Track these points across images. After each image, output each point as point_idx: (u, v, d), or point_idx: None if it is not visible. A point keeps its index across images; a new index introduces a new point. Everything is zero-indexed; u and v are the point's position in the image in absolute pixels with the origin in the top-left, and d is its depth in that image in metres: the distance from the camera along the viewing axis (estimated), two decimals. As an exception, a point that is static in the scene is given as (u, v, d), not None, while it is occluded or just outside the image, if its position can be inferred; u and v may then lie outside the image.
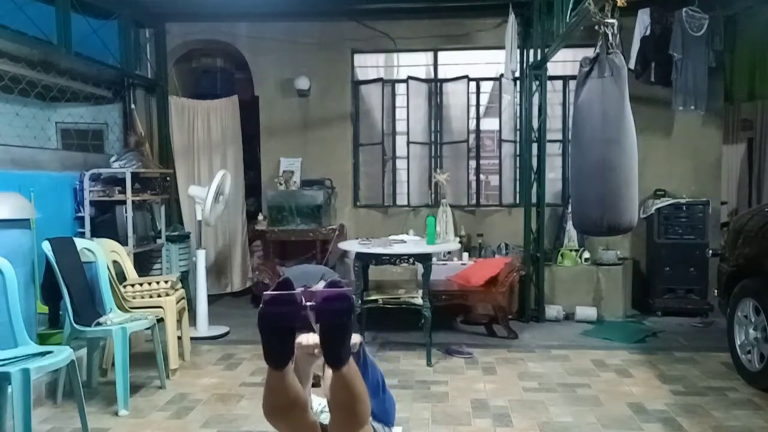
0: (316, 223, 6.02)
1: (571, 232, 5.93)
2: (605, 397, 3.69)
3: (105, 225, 5.07)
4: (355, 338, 1.85)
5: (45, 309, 4.06)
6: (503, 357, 4.53)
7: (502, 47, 5.80)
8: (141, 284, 4.24)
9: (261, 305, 1.49)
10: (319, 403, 2.07)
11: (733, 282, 4.15)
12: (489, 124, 6.68)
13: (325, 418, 1.91)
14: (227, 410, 3.54)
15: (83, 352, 3.88)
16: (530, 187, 5.78)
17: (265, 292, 1.51)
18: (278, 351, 1.54)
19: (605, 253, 5.79)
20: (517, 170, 6.32)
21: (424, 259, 4.47)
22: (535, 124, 5.71)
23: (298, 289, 1.51)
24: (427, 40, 6.30)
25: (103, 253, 3.97)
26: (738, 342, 4.02)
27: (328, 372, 1.90)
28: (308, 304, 1.49)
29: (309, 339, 1.76)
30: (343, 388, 1.62)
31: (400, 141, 6.53)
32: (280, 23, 6.29)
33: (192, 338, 4.73)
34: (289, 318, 1.49)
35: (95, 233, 4.94)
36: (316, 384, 2.08)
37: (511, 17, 5.61)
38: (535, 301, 5.67)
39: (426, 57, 6.54)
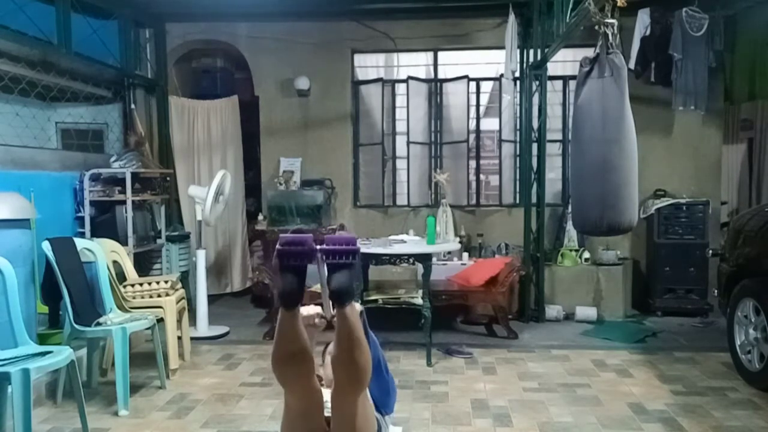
0: (316, 223, 6.02)
1: (571, 232, 5.94)
2: (605, 397, 3.69)
3: (105, 225, 5.07)
4: (357, 306, 1.94)
5: (45, 309, 4.06)
6: (503, 357, 4.53)
7: (502, 47, 5.80)
8: (141, 284, 4.24)
9: (278, 246, 1.70)
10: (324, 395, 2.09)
11: (733, 282, 4.15)
12: (489, 124, 6.68)
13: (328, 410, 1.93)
14: (227, 410, 3.54)
15: (83, 352, 3.88)
16: (530, 187, 5.78)
17: (281, 235, 1.73)
18: (292, 288, 1.71)
19: (605, 253, 5.79)
20: (517, 170, 6.33)
21: (424, 259, 4.47)
22: (535, 124, 5.71)
23: (310, 235, 1.73)
24: (427, 40, 6.30)
25: (103, 253, 3.97)
26: (738, 342, 4.02)
27: (328, 369, 2.07)
28: (319, 247, 1.71)
29: (310, 310, 1.99)
30: (346, 334, 1.74)
31: (400, 141, 6.53)
32: (280, 23, 6.29)
33: (192, 338, 4.73)
34: (302, 257, 1.69)
35: (95, 233, 4.94)
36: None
37: (511, 17, 5.61)
38: (535, 301, 5.67)
39: (426, 57, 6.54)
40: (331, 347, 2.21)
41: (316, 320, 2.01)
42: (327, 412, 1.91)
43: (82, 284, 3.78)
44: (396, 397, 2.33)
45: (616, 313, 5.65)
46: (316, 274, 1.80)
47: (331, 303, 1.86)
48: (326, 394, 1.95)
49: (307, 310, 2.00)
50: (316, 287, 4.53)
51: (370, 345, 2.05)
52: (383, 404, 2.17)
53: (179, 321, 4.32)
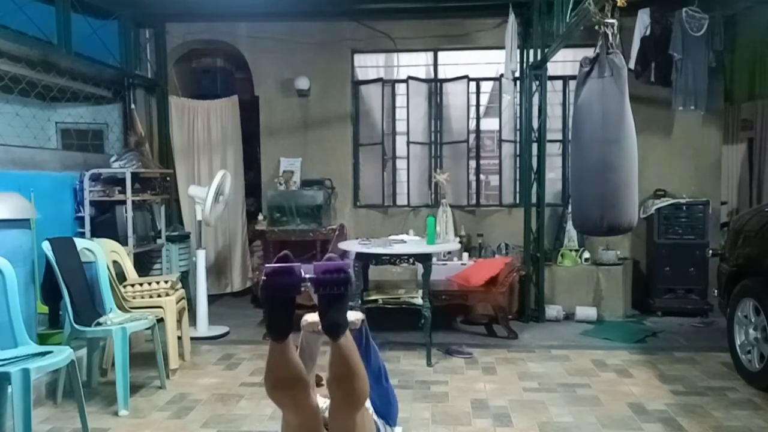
0: (316, 223, 6.03)
1: (571, 232, 5.93)
2: (605, 397, 3.69)
3: (105, 225, 5.07)
4: (358, 315, 1.89)
5: (45, 309, 4.06)
6: (503, 357, 4.53)
7: (502, 47, 5.79)
8: (141, 284, 4.24)
9: (263, 277, 1.57)
10: (324, 402, 2.08)
11: (733, 282, 4.15)
12: (489, 124, 6.68)
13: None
14: (227, 410, 3.54)
15: (83, 352, 3.88)
16: (530, 187, 5.78)
17: (266, 265, 1.60)
18: (279, 321, 1.62)
19: (605, 253, 5.79)
20: (517, 170, 6.33)
21: (424, 259, 4.46)
22: (535, 124, 5.71)
23: (297, 263, 1.61)
24: (427, 40, 6.30)
25: (103, 253, 3.97)
26: (738, 342, 4.02)
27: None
28: (307, 276, 1.59)
29: (314, 316, 1.87)
30: (341, 362, 1.67)
31: (400, 141, 6.53)
32: (280, 23, 6.28)
33: (192, 338, 4.73)
34: (289, 289, 1.58)
35: (95, 233, 4.94)
36: (319, 384, 2.09)
37: (511, 17, 5.61)
38: (535, 301, 5.67)
39: (426, 57, 6.54)
40: None
41: (319, 327, 1.97)
42: (326, 413, 1.91)
43: (82, 284, 3.78)
44: (397, 408, 2.30)
45: (616, 313, 5.65)
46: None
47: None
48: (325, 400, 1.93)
49: (312, 317, 1.94)
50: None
51: (371, 353, 2.02)
52: (385, 414, 2.14)
53: (179, 321, 4.32)
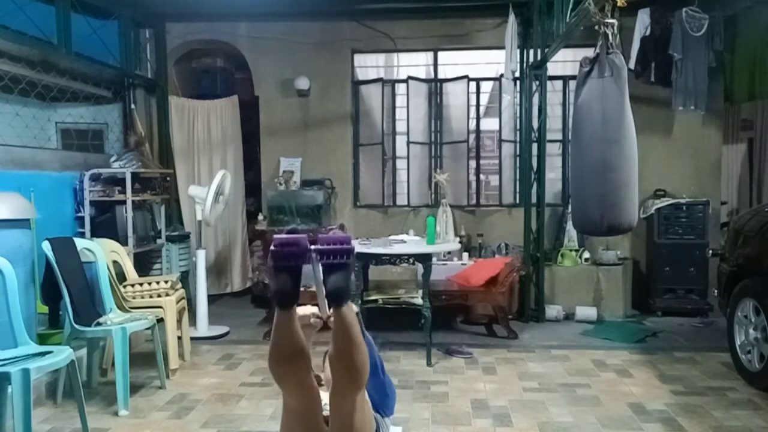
0: (316, 223, 6.02)
1: (571, 232, 5.93)
2: (605, 397, 3.69)
3: (105, 225, 5.07)
4: (353, 308, 1.92)
5: (45, 309, 4.06)
6: (503, 357, 4.53)
7: (502, 47, 5.80)
8: (141, 284, 4.24)
9: (272, 246, 1.69)
10: (323, 398, 2.09)
11: (733, 282, 4.15)
12: (489, 124, 6.68)
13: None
14: (227, 410, 3.54)
15: (83, 352, 3.88)
16: (530, 187, 5.79)
17: (275, 236, 1.70)
18: (286, 289, 1.70)
19: (605, 253, 5.79)
20: (517, 170, 6.33)
21: (424, 259, 4.47)
22: (535, 124, 5.71)
23: (304, 235, 1.71)
24: (427, 40, 6.30)
25: (103, 253, 3.97)
26: (738, 342, 4.02)
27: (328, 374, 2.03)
28: (313, 247, 1.70)
29: (305, 310, 1.98)
30: (343, 334, 1.74)
31: (400, 141, 6.53)
32: (280, 23, 6.29)
33: (192, 338, 4.73)
34: (296, 257, 1.68)
35: (95, 233, 4.94)
36: (318, 385, 2.10)
37: (511, 17, 5.61)
38: (535, 301, 5.67)
39: (426, 57, 6.54)
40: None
41: (312, 320, 2.00)
42: (326, 412, 1.91)
43: (82, 284, 3.78)
44: (395, 398, 2.32)
45: (616, 313, 5.65)
46: (311, 274, 1.79)
47: (327, 303, 1.85)
48: (325, 396, 1.95)
49: (303, 310, 2.00)
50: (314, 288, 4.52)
51: (366, 346, 2.05)
52: (382, 405, 2.17)
53: (179, 321, 4.32)
